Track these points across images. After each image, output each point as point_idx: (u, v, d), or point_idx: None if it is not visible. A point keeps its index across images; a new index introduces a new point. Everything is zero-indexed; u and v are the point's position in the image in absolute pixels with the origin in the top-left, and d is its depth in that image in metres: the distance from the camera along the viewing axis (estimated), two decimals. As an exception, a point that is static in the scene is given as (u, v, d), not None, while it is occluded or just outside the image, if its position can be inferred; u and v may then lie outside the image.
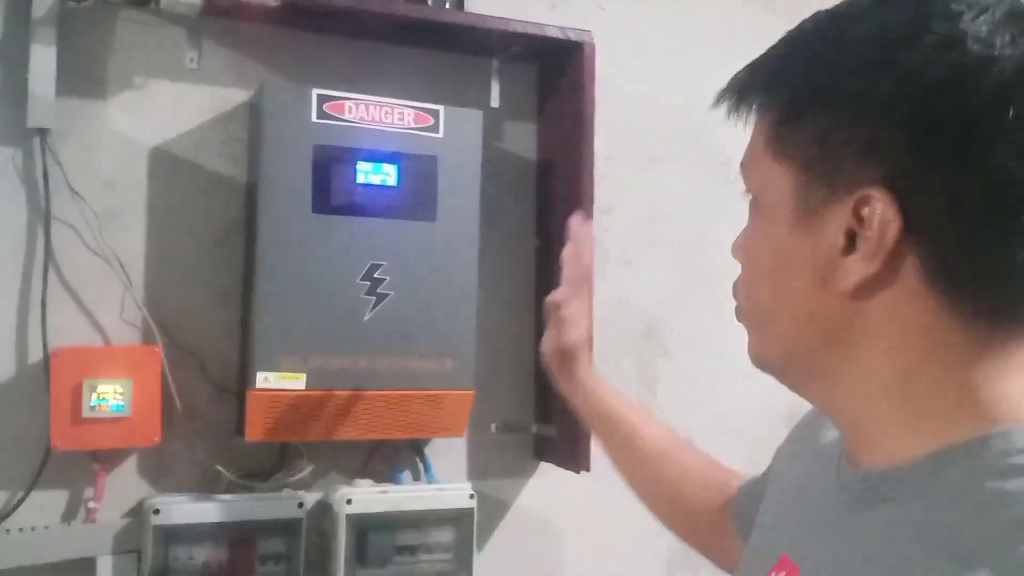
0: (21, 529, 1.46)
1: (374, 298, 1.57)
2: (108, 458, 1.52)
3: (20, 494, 1.47)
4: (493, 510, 1.82)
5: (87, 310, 1.54)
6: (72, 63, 1.52)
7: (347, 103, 1.55)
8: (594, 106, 1.71)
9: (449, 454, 1.80)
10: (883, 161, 0.59)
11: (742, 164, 0.70)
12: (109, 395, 1.45)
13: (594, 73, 1.71)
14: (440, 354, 1.61)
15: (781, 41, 0.67)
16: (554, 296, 1.21)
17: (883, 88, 0.58)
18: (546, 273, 1.85)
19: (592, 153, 1.71)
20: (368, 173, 1.57)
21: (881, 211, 0.59)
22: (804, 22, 0.66)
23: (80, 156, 1.53)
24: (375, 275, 1.57)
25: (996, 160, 0.56)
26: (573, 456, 1.74)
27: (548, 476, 1.88)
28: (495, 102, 1.83)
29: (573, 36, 1.71)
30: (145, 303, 1.56)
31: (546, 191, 1.86)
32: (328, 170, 1.54)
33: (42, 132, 1.49)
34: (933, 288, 0.60)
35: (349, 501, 1.60)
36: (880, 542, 0.61)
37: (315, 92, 1.52)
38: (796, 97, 0.64)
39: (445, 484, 1.73)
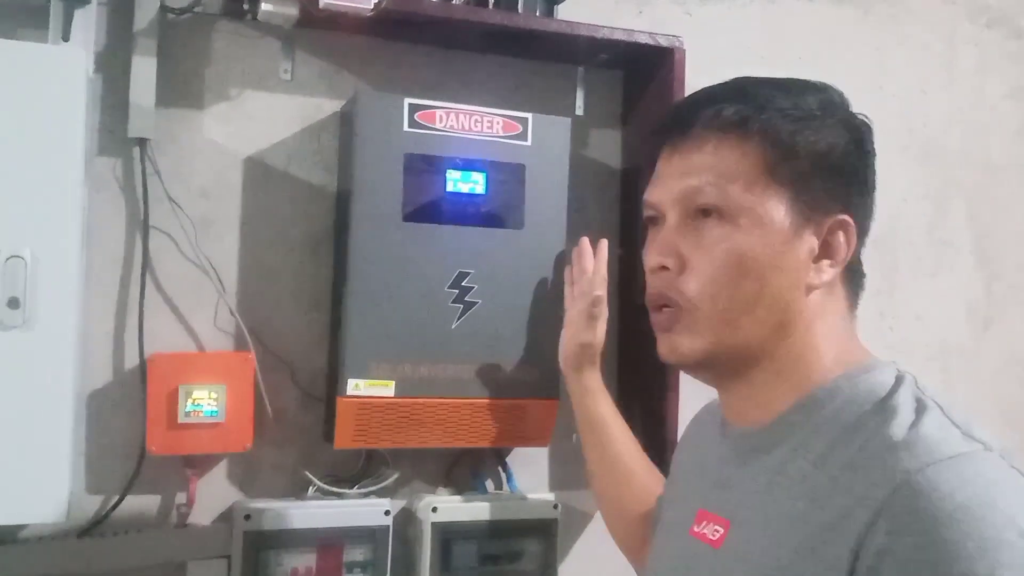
0: (115, 533, 1.49)
1: (462, 306, 1.56)
2: (200, 463, 1.54)
3: (115, 499, 1.50)
4: (574, 520, 1.81)
5: (182, 317, 1.56)
6: (171, 74, 1.55)
7: (438, 112, 1.55)
8: (683, 114, 1.68)
9: (531, 463, 1.79)
10: (844, 198, 0.88)
11: (708, 184, 0.86)
12: (204, 401, 1.47)
13: (684, 79, 1.69)
14: (526, 363, 1.60)
15: (752, 84, 0.91)
16: (601, 291, 1.45)
17: (838, 148, 0.87)
18: (630, 281, 1.84)
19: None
20: (457, 181, 1.57)
21: (850, 230, 0.87)
22: (791, 85, 0.91)
23: (177, 165, 1.56)
24: (463, 283, 1.56)
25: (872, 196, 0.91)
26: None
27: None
28: (580, 110, 1.82)
29: (663, 42, 1.69)
30: (238, 310, 1.58)
31: (631, 199, 1.84)
32: (419, 178, 1.54)
33: (142, 142, 1.52)
34: (845, 284, 0.90)
35: (435, 509, 1.60)
36: (776, 474, 0.83)
37: (407, 102, 1.53)
38: (789, 138, 0.86)
39: (528, 494, 1.72)
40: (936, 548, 0.67)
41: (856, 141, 0.89)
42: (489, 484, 1.74)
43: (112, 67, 1.52)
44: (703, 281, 0.86)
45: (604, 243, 1.52)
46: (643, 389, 1.79)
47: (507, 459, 1.75)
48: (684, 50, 1.71)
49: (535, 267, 1.61)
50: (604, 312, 1.46)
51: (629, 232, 1.84)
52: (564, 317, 1.48)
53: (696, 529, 0.92)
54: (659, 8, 1.90)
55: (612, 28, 1.66)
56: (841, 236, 0.87)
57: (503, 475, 1.75)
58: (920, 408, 0.79)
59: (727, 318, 0.86)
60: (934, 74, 2.20)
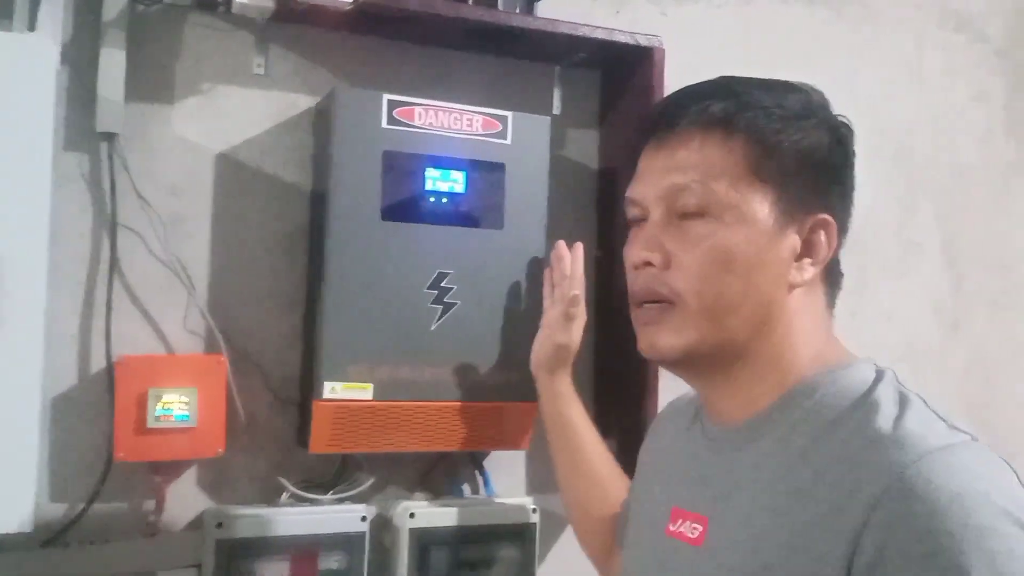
0: (80, 543, 1.43)
1: (441, 307, 1.53)
2: (169, 470, 1.49)
3: (80, 507, 1.44)
4: (553, 525, 1.78)
5: (151, 318, 1.51)
6: (140, 68, 1.50)
7: (417, 109, 1.52)
8: (663, 113, 1.67)
9: (507, 467, 1.77)
10: (825, 197, 0.88)
11: (694, 180, 0.86)
12: (174, 405, 1.42)
13: (663, 78, 1.68)
14: (505, 365, 1.57)
15: (737, 82, 0.91)
16: (579, 291, 1.42)
17: (821, 148, 0.88)
18: (607, 283, 1.82)
19: (660, 161, 1.67)
20: (437, 180, 1.54)
21: (831, 230, 0.88)
22: (774, 85, 0.92)
23: (146, 162, 1.51)
24: (442, 284, 1.53)
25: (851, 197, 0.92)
26: (631, 469, 1.69)
27: (608, 491, 1.84)
28: (556, 109, 1.80)
29: (643, 41, 1.68)
30: (208, 311, 1.53)
31: (608, 200, 1.82)
32: (398, 177, 1.51)
33: (110, 137, 1.46)
34: (824, 283, 0.91)
35: (412, 515, 1.57)
36: (756, 469, 0.84)
37: (386, 98, 1.50)
38: (774, 136, 0.86)
39: (505, 498, 1.70)
40: (933, 539, 0.68)
41: (838, 141, 0.90)
42: (466, 488, 1.71)
43: (79, 59, 1.46)
44: (689, 277, 0.86)
45: (579, 246, 1.50)
46: (621, 391, 1.78)
47: (484, 463, 1.72)
48: (664, 50, 1.70)
49: (515, 268, 1.59)
50: (582, 313, 1.44)
51: (606, 234, 1.83)
52: (553, 314, 1.46)
53: (672, 528, 0.92)
54: (635, 8, 1.89)
55: (593, 27, 1.64)
56: (822, 235, 0.88)
57: (480, 479, 1.72)
58: (902, 401, 0.80)
59: (712, 314, 0.86)
60: (903, 76, 2.22)
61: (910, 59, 2.23)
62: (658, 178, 0.89)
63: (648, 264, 0.89)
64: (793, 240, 0.87)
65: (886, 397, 0.81)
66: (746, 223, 0.85)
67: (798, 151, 0.87)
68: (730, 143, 0.86)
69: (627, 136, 1.76)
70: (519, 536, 1.65)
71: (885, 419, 0.78)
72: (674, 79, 1.75)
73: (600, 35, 1.65)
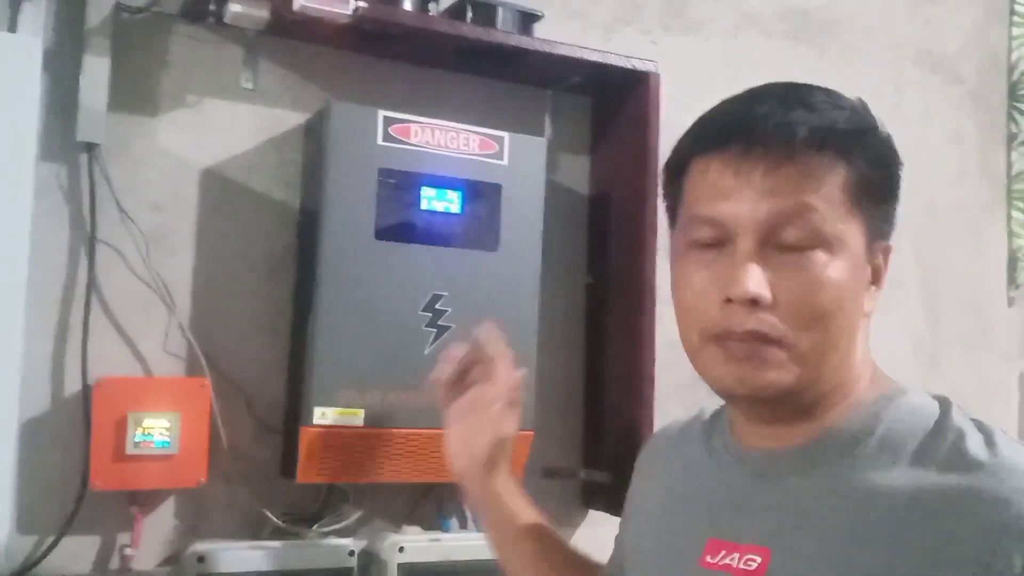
0: (51, 577, 1.34)
1: (435, 330, 1.48)
2: (147, 500, 1.41)
3: (51, 538, 1.35)
4: (542, 561, 1.72)
5: (129, 339, 1.44)
6: (125, 77, 1.44)
7: (413, 126, 1.48)
8: (658, 139, 1.65)
9: (495, 501, 1.70)
10: (891, 223, 0.83)
11: (810, 209, 0.77)
12: (155, 430, 1.35)
13: (659, 105, 1.67)
14: (500, 392, 1.52)
15: (814, 95, 0.81)
16: (485, 393, 1.12)
17: (896, 173, 0.83)
18: (598, 311, 1.79)
19: (656, 187, 1.65)
20: (432, 199, 1.50)
21: (889, 255, 0.84)
22: (837, 94, 0.83)
23: (129, 175, 1.44)
24: (436, 306, 1.48)
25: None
26: (627, 504, 1.65)
27: (598, 526, 1.78)
28: (547, 134, 1.78)
29: (639, 66, 1.67)
30: (191, 333, 1.45)
31: (600, 227, 1.80)
32: (393, 195, 1.47)
33: (91, 147, 1.40)
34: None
35: (401, 549, 1.49)
36: (829, 495, 0.78)
37: (381, 114, 1.46)
38: (875, 161, 0.80)
39: (495, 533, 1.63)
40: None
41: (900, 165, 0.84)
42: (453, 522, 1.64)
43: (60, 66, 1.40)
44: (802, 318, 0.77)
45: (487, 324, 1.20)
46: (613, 421, 1.73)
47: (473, 495, 1.65)
48: (659, 76, 1.69)
49: (510, 290, 1.54)
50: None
51: (597, 260, 1.80)
52: (462, 422, 1.14)
53: (712, 560, 0.84)
54: (626, 37, 1.89)
55: (590, 50, 1.63)
56: (882, 261, 0.84)
57: (469, 513, 1.65)
58: (983, 429, 0.78)
59: (819, 353, 0.79)
60: (883, 115, 2.23)
61: (890, 98, 2.25)
62: (759, 200, 0.77)
63: (754, 301, 0.78)
64: (868, 269, 0.82)
65: (966, 424, 0.78)
66: (848, 255, 0.78)
67: (886, 175, 0.82)
68: (847, 167, 0.78)
69: (620, 163, 1.74)
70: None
71: (977, 446, 0.75)
72: (663, 108, 1.75)
73: (597, 58, 1.64)
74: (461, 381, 1.15)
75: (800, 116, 0.78)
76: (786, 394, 0.80)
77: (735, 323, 0.78)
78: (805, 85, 0.83)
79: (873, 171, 0.79)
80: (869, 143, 0.80)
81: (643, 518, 1.01)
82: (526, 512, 1.15)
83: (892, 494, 0.76)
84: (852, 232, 0.78)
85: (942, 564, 0.71)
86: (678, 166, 0.86)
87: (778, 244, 0.77)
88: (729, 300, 0.78)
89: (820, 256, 0.77)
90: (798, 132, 0.77)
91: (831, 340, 0.79)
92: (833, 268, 0.77)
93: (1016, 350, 2.45)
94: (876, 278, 0.84)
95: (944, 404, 0.82)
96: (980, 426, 0.78)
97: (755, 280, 0.77)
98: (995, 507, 0.71)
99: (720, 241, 0.80)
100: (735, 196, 0.79)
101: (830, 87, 0.83)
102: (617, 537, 1.10)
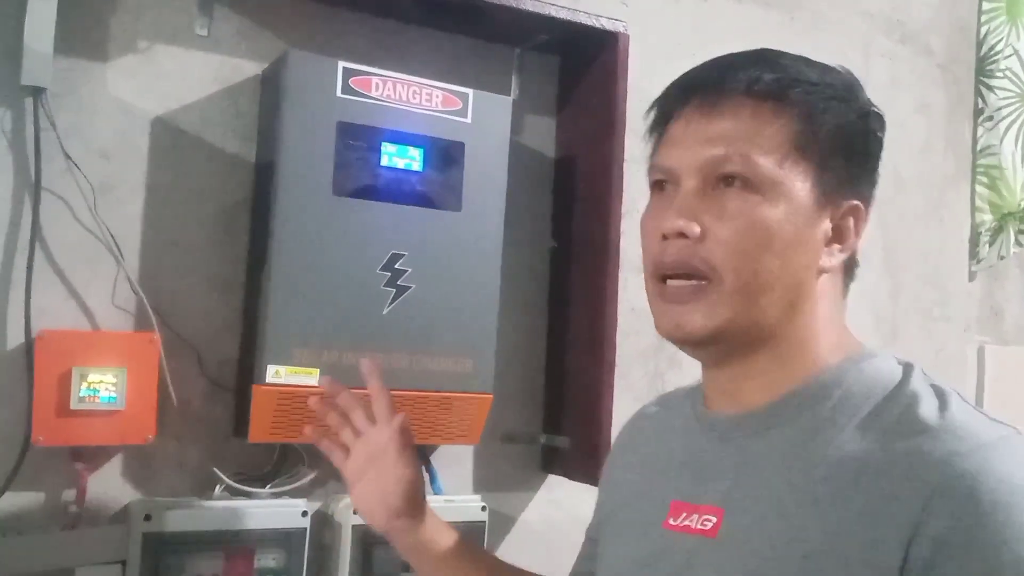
0: (-9, 536, 1.30)
1: (394, 290, 1.45)
2: (92, 457, 1.37)
3: (-8, 495, 1.31)
4: (499, 524, 1.71)
5: (75, 292, 1.39)
6: (72, 19, 1.38)
7: (374, 79, 1.44)
8: (626, 101, 1.63)
9: (454, 463, 1.68)
10: (857, 183, 0.85)
11: (740, 152, 0.81)
12: (101, 385, 1.31)
13: (627, 65, 1.64)
14: (459, 354, 1.50)
15: (782, 56, 0.85)
16: (374, 441, 1.05)
17: (860, 132, 0.85)
18: (562, 276, 1.76)
19: (623, 150, 1.63)
20: (393, 156, 1.46)
21: (860, 217, 0.85)
22: (813, 61, 0.86)
23: (76, 121, 1.39)
24: (396, 265, 1.45)
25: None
26: (585, 468, 1.64)
27: (557, 489, 1.77)
28: (514, 93, 1.74)
29: (608, 25, 1.63)
30: (140, 286, 1.41)
31: (565, 189, 1.77)
32: (351, 150, 1.43)
33: (36, 92, 1.34)
34: (843, 271, 0.87)
35: (355, 511, 1.47)
36: (783, 457, 0.80)
37: (341, 65, 1.41)
38: (821, 115, 0.82)
39: (453, 496, 1.62)
40: (991, 532, 0.69)
41: (874, 129, 0.87)
42: (409, 485, 1.62)
43: (4, 6, 1.34)
44: (727, 251, 0.81)
45: (365, 361, 1.12)
46: (576, 389, 1.72)
47: (431, 457, 1.63)
48: (628, 36, 1.66)
49: (472, 252, 1.52)
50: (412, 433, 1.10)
51: (561, 224, 1.77)
52: (363, 478, 1.07)
53: (673, 522, 0.86)
54: (596, -3, 1.85)
55: (558, 6, 1.59)
56: (851, 222, 0.85)
57: (426, 475, 1.63)
58: (940, 393, 0.79)
59: (746, 293, 0.81)
60: (851, 84, 2.22)
61: (858, 68, 2.22)
62: (699, 146, 0.83)
63: (682, 235, 0.82)
64: (826, 224, 0.84)
65: (923, 389, 0.79)
66: (787, 201, 0.81)
67: (840, 133, 0.83)
68: (781, 117, 0.82)
69: (587, 125, 1.71)
70: (469, 535, 1.56)
71: (929, 410, 0.77)
72: (632, 69, 1.72)
73: (564, 15, 1.60)
74: (344, 427, 1.10)
75: (753, 72, 0.82)
76: (718, 337, 0.82)
77: (666, 256, 0.83)
78: (781, 51, 0.87)
79: (823, 124, 0.82)
80: (820, 96, 0.82)
81: (619, 487, 1.02)
82: (462, 547, 1.10)
83: (840, 456, 0.77)
84: (793, 181, 0.82)
85: (881, 524, 0.72)
86: (659, 135, 0.89)
87: (715, 186, 0.82)
88: (665, 237, 0.83)
89: (753, 198, 0.81)
90: (741, 83, 0.82)
91: (760, 281, 0.81)
92: (764, 209, 0.81)
93: (975, 323, 2.47)
94: (839, 236, 0.84)
95: (907, 369, 0.83)
96: (938, 391, 0.79)
97: (682, 214, 0.82)
98: (932, 468, 0.71)
99: (670, 185, 0.86)
100: (681, 143, 0.85)
101: (799, 53, 0.86)
102: (588, 529, 1.10)
